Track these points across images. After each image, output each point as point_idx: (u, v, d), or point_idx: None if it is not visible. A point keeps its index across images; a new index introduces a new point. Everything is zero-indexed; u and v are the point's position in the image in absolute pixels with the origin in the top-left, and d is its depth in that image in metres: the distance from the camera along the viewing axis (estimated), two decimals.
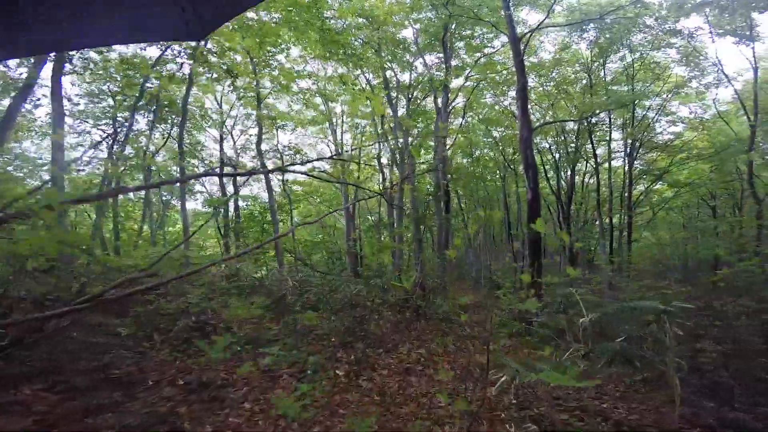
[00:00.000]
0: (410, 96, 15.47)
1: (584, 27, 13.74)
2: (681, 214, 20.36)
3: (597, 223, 20.78)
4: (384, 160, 18.24)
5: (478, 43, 14.31)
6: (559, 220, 19.09)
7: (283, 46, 12.39)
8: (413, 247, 11.21)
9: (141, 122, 14.23)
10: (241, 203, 20.55)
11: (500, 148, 20.00)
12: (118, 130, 13.08)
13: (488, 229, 24.23)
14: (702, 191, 17.81)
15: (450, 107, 14.23)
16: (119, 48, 11.28)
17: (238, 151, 18.35)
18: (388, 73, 14.64)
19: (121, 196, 17.34)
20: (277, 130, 14.77)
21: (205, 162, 17.96)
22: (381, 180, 19.09)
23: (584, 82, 16.18)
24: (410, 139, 14.68)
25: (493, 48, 14.97)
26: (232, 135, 18.04)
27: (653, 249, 19.48)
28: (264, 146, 14.66)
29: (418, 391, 3.89)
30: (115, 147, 12.95)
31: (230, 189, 19.05)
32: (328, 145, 19.51)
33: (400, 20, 12.97)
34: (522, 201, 22.99)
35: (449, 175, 13.35)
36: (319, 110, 16.28)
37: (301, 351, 4.59)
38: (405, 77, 15.68)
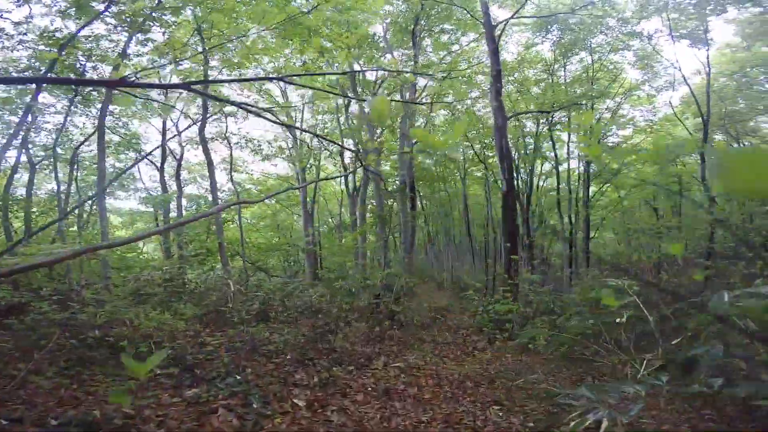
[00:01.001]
0: (375, 92, 14.72)
1: (549, 27, 13.76)
2: (625, 215, 21.06)
3: (552, 222, 21.17)
4: (347, 160, 17.26)
5: (447, 40, 13.99)
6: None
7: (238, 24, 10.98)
8: (378, 246, 10.26)
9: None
10: (186, 204, 18.67)
11: (462, 149, 19.83)
12: (37, 117, 11.08)
13: (449, 231, 23.97)
14: (645, 193, 18.61)
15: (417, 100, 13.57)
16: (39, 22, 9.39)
17: (183, 144, 16.56)
18: (355, 67, 13.81)
19: (42, 193, 14.96)
20: (226, 117, 13.29)
21: (142, 153, 15.97)
22: (344, 180, 18.01)
23: (543, 85, 16.27)
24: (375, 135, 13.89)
25: (460, 46, 14.72)
26: (177, 127, 16.19)
27: (601, 248, 19.96)
28: (209, 134, 13.14)
29: (406, 422, 2.91)
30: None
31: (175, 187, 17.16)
32: (286, 143, 18.13)
33: (370, 7, 12.17)
34: (478, 203, 23.03)
35: (415, 171, 12.60)
36: (276, 102, 15.01)
37: (246, 373, 3.46)
38: (372, 74, 14.93)
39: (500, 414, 3.38)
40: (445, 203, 23.06)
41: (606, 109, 16.35)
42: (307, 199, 17.08)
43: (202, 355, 4.03)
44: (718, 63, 13.64)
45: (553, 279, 14.18)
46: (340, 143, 11.23)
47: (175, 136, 14.80)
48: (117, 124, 14.98)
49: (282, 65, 10.85)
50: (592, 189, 18.67)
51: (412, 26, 12.42)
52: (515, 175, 18.74)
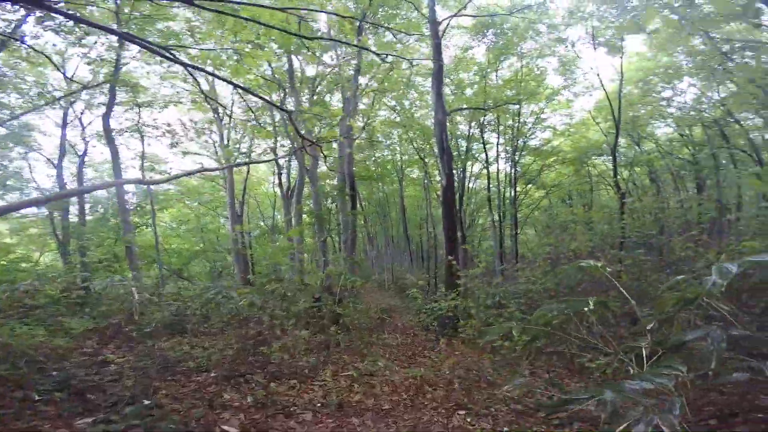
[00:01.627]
0: (315, 89, 13.98)
1: (485, 32, 14.22)
2: (547, 212, 22.53)
3: (480, 221, 22.03)
4: (281, 161, 16.22)
5: (390, 40, 13.79)
6: None
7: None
8: (317, 247, 9.60)
9: None
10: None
11: (398, 149, 19.99)
12: None
13: (388, 231, 23.83)
14: (561, 192, 20.04)
15: (358, 96, 13.10)
16: None
17: (87, 139, 14.39)
18: (295, 63, 12.96)
19: None
20: (139, 108, 11.66)
21: (35, 147, 13.64)
22: (278, 181, 16.86)
23: (476, 87, 16.79)
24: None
25: (403, 45, 14.58)
26: (81, 121, 13.98)
27: (524, 244, 21.09)
28: (117, 124, 11.42)
29: None
30: None
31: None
32: (213, 141, 16.57)
33: None
34: (414, 204, 23.26)
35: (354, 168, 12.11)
36: (201, 96, 13.57)
37: (158, 396, 2.71)
38: (311, 71, 14.18)
39: (468, 420, 3.01)
40: (384, 204, 22.91)
41: (531, 113, 17.24)
42: (236, 200, 15.76)
43: (98, 376, 3.16)
44: (627, 71, 14.97)
45: (485, 274, 14.56)
46: (275, 130, 10.24)
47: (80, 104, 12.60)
48: (2, 114, 12.66)
49: (213, 46, 9.70)
50: (518, 189, 19.71)
51: (359, 22, 12.00)
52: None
